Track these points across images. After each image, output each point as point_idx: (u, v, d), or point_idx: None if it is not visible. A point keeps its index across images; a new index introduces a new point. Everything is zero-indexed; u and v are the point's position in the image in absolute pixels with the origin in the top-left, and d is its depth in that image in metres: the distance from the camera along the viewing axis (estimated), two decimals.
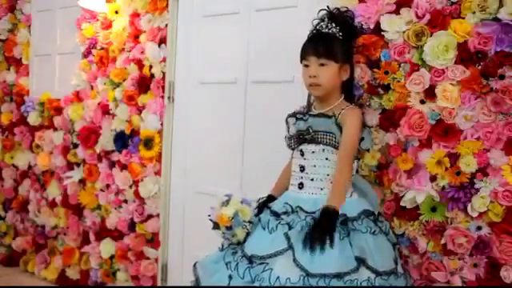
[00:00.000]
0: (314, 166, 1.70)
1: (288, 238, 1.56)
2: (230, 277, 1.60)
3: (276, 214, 1.68)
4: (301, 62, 1.78)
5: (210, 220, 1.73)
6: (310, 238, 1.53)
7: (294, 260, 1.50)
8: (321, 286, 1.46)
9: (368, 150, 1.77)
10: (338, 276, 1.47)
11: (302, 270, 1.48)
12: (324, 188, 1.69)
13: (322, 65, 1.71)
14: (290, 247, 1.54)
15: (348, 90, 1.82)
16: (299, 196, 1.71)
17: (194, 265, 1.78)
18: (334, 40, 1.75)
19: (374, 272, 1.51)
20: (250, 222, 1.70)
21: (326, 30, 1.76)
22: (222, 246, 1.76)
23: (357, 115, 1.71)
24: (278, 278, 1.49)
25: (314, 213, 1.61)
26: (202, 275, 1.74)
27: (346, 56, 1.78)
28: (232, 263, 1.63)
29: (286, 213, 1.66)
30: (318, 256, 1.50)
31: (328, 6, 1.80)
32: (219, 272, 1.66)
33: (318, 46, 1.73)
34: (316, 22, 1.80)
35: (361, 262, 1.51)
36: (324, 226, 1.54)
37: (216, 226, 1.72)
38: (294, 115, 1.80)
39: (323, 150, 1.70)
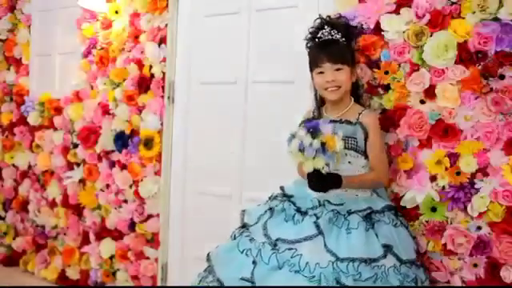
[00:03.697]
0: (337, 170, 1.72)
1: (317, 226, 1.60)
2: (254, 262, 1.61)
3: (301, 211, 1.70)
4: (311, 70, 1.80)
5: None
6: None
7: (325, 245, 1.55)
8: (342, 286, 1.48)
9: None
10: (367, 261, 1.52)
11: (332, 255, 1.52)
12: (347, 190, 1.73)
13: (338, 69, 1.75)
14: (320, 233, 1.58)
15: (356, 91, 1.86)
16: (325, 193, 1.72)
17: (208, 254, 1.78)
18: (342, 45, 1.79)
19: (399, 260, 1.57)
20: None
21: (330, 37, 1.78)
22: (235, 235, 1.77)
23: (377, 119, 1.80)
24: (307, 263, 1.53)
25: (341, 205, 1.66)
26: (215, 264, 1.73)
27: (353, 59, 1.83)
28: (253, 250, 1.65)
29: (312, 208, 1.69)
30: (346, 242, 1.56)
31: (320, 15, 1.83)
32: (235, 260, 1.66)
33: (331, 52, 1.76)
34: (312, 30, 1.82)
35: (387, 249, 1.57)
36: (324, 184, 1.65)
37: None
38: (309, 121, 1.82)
39: (345, 154, 1.74)
